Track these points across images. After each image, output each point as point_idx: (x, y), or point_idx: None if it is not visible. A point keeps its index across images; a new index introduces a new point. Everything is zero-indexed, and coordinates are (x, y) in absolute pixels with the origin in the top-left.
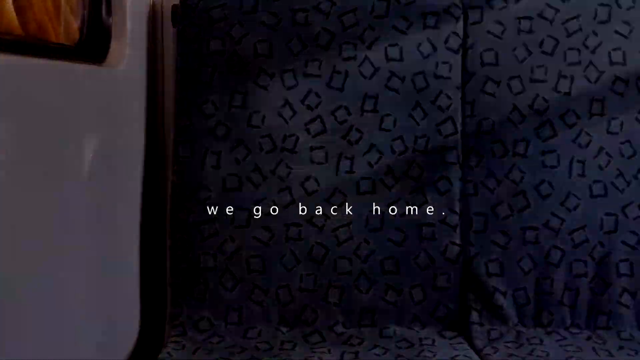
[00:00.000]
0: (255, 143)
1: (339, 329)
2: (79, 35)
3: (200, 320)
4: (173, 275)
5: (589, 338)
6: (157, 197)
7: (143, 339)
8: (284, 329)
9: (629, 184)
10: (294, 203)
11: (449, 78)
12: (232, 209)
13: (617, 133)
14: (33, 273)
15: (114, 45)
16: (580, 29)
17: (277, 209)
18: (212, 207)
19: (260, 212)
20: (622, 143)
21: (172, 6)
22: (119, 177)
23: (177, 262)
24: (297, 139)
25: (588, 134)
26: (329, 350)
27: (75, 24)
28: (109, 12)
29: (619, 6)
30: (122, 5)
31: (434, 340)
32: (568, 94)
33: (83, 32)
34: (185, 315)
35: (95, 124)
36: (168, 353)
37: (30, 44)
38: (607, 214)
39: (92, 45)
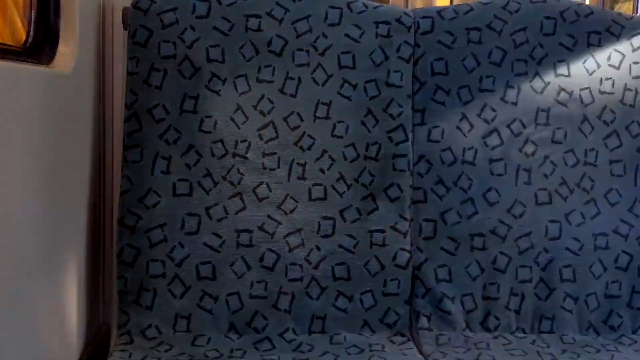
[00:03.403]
0: (206, 148)
1: (290, 335)
2: (25, 36)
3: (147, 328)
4: (120, 282)
5: (533, 342)
6: (104, 202)
7: (88, 348)
8: (234, 337)
9: (572, 191)
10: (245, 209)
11: (400, 86)
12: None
13: (561, 142)
14: None
15: (62, 47)
16: (527, 41)
17: (228, 215)
18: (162, 213)
19: (211, 218)
20: (565, 152)
21: (122, 9)
22: (65, 181)
23: (125, 269)
24: (249, 144)
25: (534, 143)
26: (279, 358)
27: (21, 25)
28: (57, 14)
29: (564, 19)
30: (70, 6)
31: (383, 346)
32: (515, 103)
33: (30, 33)
34: (133, 323)
35: (42, 127)
36: None
37: None
38: (552, 221)
39: (40, 46)
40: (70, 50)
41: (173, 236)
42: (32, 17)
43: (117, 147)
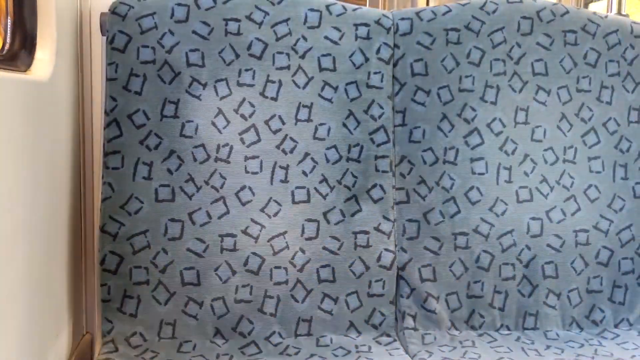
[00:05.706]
0: (188, 153)
1: (276, 339)
2: (1, 43)
3: (132, 336)
4: (103, 290)
5: (518, 339)
6: (85, 210)
7: (72, 357)
8: (220, 342)
9: (552, 189)
10: (228, 213)
11: (380, 88)
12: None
13: (540, 141)
14: None
15: (39, 53)
16: (505, 41)
17: (211, 219)
18: (144, 219)
19: (194, 223)
20: (545, 150)
21: (100, 14)
22: (44, 189)
23: (107, 277)
24: (231, 148)
25: (514, 142)
26: None
27: None
28: (34, 20)
29: (540, 19)
30: (48, 12)
31: (370, 347)
32: (494, 103)
33: (6, 39)
34: (117, 331)
35: (20, 134)
36: None
37: None
38: (533, 218)
39: (17, 53)
40: (48, 57)
41: (156, 242)
42: (9, 23)
43: (97, 154)
